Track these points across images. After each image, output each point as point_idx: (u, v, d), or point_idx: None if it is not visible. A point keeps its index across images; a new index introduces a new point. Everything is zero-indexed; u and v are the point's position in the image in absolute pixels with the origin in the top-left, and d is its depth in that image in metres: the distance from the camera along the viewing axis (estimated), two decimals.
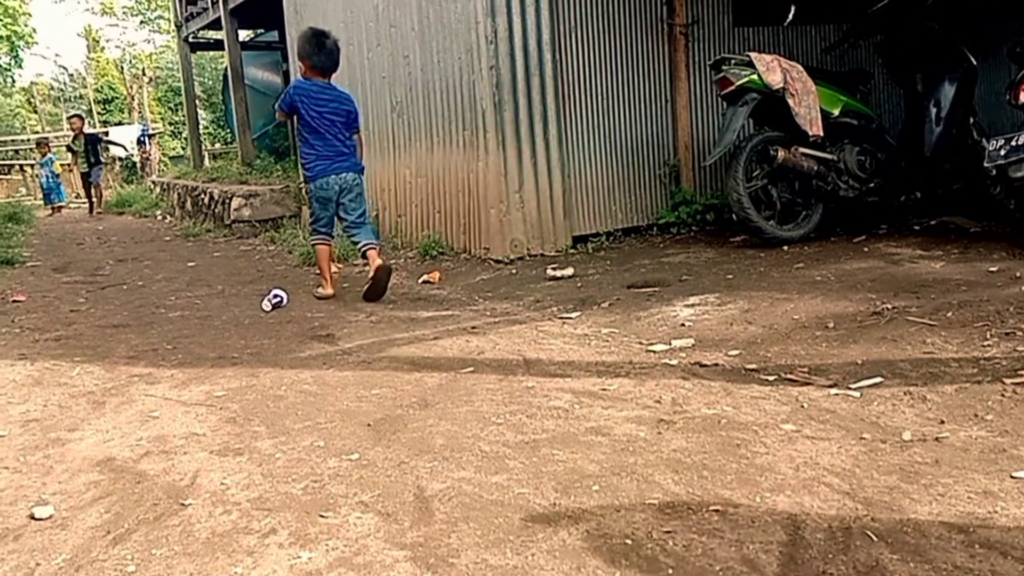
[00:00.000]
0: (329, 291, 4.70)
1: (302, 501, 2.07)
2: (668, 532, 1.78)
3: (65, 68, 26.54)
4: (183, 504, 2.10)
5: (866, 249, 4.49)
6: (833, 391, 2.54)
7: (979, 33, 4.90)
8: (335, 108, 4.54)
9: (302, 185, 7.83)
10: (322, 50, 4.54)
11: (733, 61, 4.81)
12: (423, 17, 5.74)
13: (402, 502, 2.02)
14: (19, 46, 23.28)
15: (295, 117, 4.60)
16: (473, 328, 3.73)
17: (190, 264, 6.68)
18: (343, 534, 1.88)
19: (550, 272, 4.68)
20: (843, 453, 2.10)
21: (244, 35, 12.93)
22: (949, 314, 3.10)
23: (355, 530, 1.90)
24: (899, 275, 3.81)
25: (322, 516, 1.98)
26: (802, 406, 2.44)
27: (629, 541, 1.75)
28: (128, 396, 3.10)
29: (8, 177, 19.69)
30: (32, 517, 2.09)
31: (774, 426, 2.31)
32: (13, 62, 23.48)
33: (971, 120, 4.88)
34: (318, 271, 4.87)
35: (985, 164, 4.14)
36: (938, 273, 3.76)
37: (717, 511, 1.85)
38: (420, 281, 4.97)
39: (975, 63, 4.82)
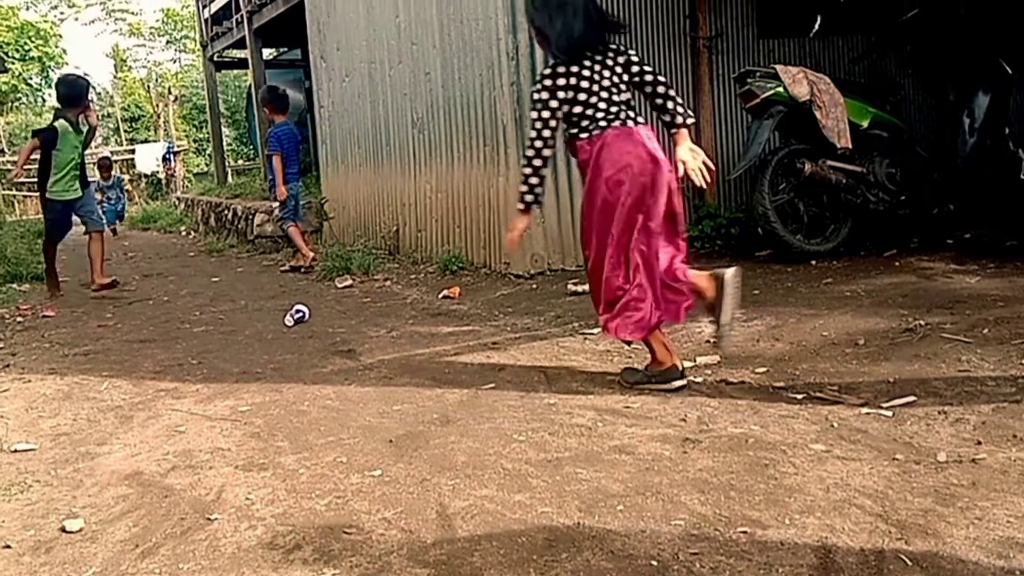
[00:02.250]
0: (309, 254, 6.66)
1: (326, 517, 2.07)
2: (695, 554, 1.74)
3: (93, 87, 27.06)
4: (209, 519, 2.11)
5: (897, 263, 4.42)
6: (864, 410, 2.49)
7: (1014, 41, 4.81)
8: (294, 138, 6.79)
9: (324, 201, 8.01)
10: (279, 99, 6.89)
11: (758, 74, 4.77)
12: (444, 35, 5.78)
13: (424, 519, 2.01)
14: (49, 67, 23.84)
15: (283, 147, 6.66)
16: (494, 344, 3.72)
17: (214, 279, 6.75)
18: (366, 551, 1.87)
19: (571, 287, 4.66)
20: (875, 474, 2.05)
21: (267, 53, 13.12)
22: (985, 331, 3.03)
23: (378, 547, 1.89)
24: (932, 290, 3.74)
25: (345, 532, 1.97)
26: (832, 425, 2.40)
27: (655, 562, 1.72)
28: (155, 411, 3.13)
29: (38, 194, 20.07)
30: (63, 530, 2.11)
31: (803, 446, 2.27)
32: (44, 82, 24.05)
33: (1006, 130, 4.77)
34: (298, 245, 6.84)
35: (1022, 176, 4.06)
36: (973, 288, 3.69)
37: (745, 533, 1.82)
38: (440, 296, 4.98)
39: (1010, 72, 4.73)
